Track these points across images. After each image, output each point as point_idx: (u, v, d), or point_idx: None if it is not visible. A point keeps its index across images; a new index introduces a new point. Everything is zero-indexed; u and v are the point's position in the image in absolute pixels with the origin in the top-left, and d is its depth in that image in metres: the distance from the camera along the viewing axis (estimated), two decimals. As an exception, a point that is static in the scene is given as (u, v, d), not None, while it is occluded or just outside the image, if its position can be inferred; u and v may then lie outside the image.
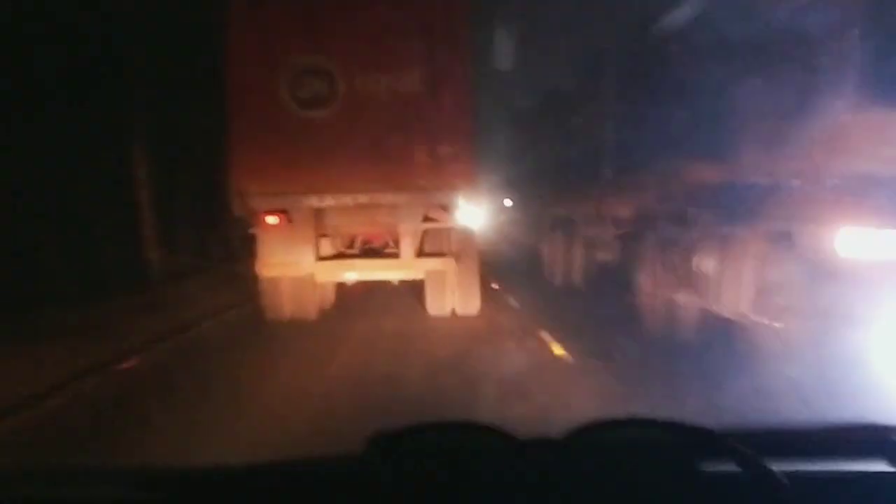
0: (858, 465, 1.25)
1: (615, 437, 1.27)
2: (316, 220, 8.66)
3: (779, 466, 1.15)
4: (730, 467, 1.16)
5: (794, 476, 1.15)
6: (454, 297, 9.20)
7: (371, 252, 9.55)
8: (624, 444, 1.26)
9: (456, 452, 1.23)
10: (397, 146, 8.22)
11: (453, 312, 9.23)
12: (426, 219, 8.71)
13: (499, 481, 1.18)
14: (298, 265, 8.54)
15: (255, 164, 8.23)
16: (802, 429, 1.40)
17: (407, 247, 8.67)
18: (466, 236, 9.08)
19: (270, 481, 1.23)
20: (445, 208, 8.67)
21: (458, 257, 8.90)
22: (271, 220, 8.48)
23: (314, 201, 8.33)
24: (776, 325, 4.95)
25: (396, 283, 9.98)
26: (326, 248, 9.32)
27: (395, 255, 9.00)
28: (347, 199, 8.33)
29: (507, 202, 19.86)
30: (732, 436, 1.22)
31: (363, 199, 8.33)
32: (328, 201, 8.35)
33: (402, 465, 1.18)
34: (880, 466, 1.24)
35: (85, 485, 1.30)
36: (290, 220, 8.50)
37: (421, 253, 8.87)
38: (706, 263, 5.89)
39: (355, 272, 9.03)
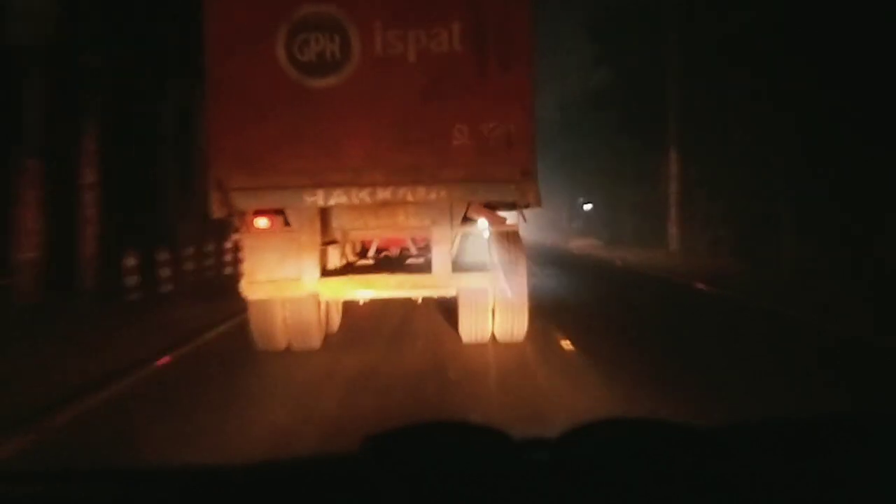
0: (852, 459, 1.24)
1: (611, 438, 1.27)
2: (322, 223, 6.83)
3: (775, 463, 1.19)
4: (725, 467, 1.19)
5: (789, 472, 1.18)
6: (495, 319, 7.19)
7: (390, 263, 7.54)
8: (619, 445, 1.24)
9: (451, 453, 1.23)
10: (430, 125, 6.40)
11: (493, 338, 7.39)
12: (466, 221, 6.68)
13: (494, 482, 1.18)
14: (298, 283, 6.68)
15: (240, 149, 6.40)
16: (797, 424, 1.35)
17: (441, 258, 6.75)
18: (514, 243, 7.11)
19: (266, 481, 1.24)
20: (493, 207, 6.64)
21: (504, 271, 6.86)
22: (262, 222, 6.73)
23: (319, 198, 6.48)
24: None
25: (420, 300, 7.96)
26: (334, 258, 7.32)
27: (422, 267, 7.12)
28: (364, 195, 6.47)
29: None
30: (728, 434, 1.26)
31: (384, 194, 6.49)
32: (338, 198, 6.48)
33: (396, 466, 1.20)
34: (871, 458, 1.24)
35: (84, 484, 1.31)
36: (287, 223, 6.73)
37: (457, 265, 6.82)
38: None
39: (372, 290, 6.96)
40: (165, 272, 12.49)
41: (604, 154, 29.47)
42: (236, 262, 15.51)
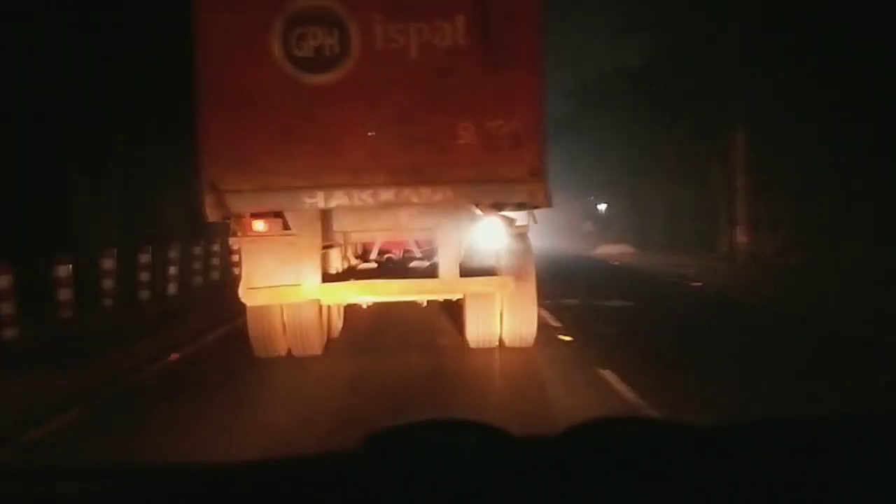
0: (853, 459, 1.23)
1: (612, 436, 1.27)
2: (322, 226, 6.62)
3: (775, 463, 1.21)
4: (725, 467, 1.20)
5: (789, 472, 1.19)
6: (503, 323, 7.04)
7: (393, 266, 7.30)
8: (619, 444, 1.24)
9: (451, 450, 1.22)
10: (434, 123, 6.18)
11: (501, 343, 7.18)
12: (472, 222, 6.61)
13: (494, 479, 1.18)
14: (298, 289, 6.50)
15: (235, 149, 6.19)
16: (798, 424, 1.34)
17: (448, 261, 6.61)
18: (523, 246, 6.90)
19: (265, 480, 1.25)
20: (500, 208, 6.41)
21: (514, 274, 6.62)
22: (260, 225, 6.48)
23: (319, 200, 6.27)
24: None
25: (425, 303, 7.73)
26: (335, 261, 7.09)
27: (427, 271, 7.05)
28: (366, 197, 6.27)
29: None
30: (728, 433, 1.28)
31: (387, 195, 6.30)
32: (339, 199, 6.28)
33: (397, 464, 1.19)
34: (873, 459, 1.22)
35: (84, 484, 1.31)
36: (286, 227, 6.50)
37: (464, 268, 6.60)
38: None
39: (375, 296, 6.73)
40: (66, 294, 9.23)
41: (629, 146, 25.50)
42: (181, 275, 12.52)
